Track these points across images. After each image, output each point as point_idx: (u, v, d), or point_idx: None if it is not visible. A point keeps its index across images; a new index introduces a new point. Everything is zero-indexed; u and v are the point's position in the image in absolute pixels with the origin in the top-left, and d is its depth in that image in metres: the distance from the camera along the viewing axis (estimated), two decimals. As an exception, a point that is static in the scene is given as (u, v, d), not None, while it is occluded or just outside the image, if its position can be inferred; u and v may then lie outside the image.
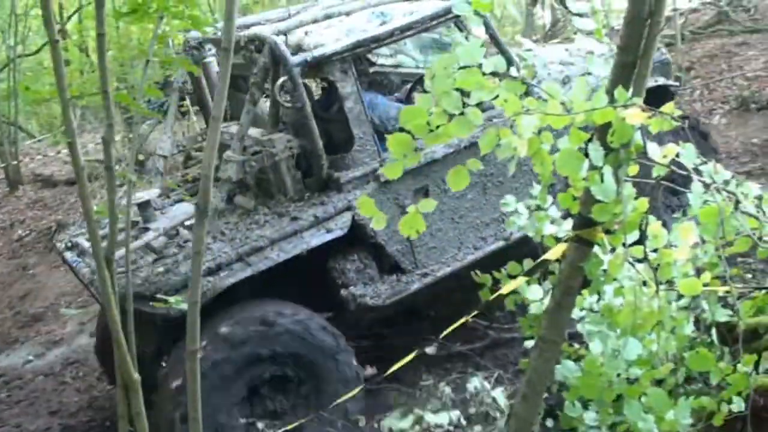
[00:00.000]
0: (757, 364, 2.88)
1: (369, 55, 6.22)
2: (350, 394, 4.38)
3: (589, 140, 2.43)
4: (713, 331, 3.27)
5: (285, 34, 4.94)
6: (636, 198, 2.59)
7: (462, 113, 2.26)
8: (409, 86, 5.99)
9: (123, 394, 3.01)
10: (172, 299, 3.25)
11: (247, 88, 5.05)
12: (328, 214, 4.77)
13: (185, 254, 4.54)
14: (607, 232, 2.71)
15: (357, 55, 5.12)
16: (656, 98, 6.14)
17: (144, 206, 5.01)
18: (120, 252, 4.80)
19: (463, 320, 3.50)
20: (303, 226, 4.72)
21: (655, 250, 2.89)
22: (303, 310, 4.68)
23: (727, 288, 3.08)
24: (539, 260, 3.26)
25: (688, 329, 3.22)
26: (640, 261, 2.87)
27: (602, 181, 2.42)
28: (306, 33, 5.06)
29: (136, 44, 7.94)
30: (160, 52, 3.07)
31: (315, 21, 5.14)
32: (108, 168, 2.67)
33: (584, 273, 2.83)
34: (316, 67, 4.88)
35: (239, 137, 4.84)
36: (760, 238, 3.56)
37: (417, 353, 4.02)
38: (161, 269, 4.49)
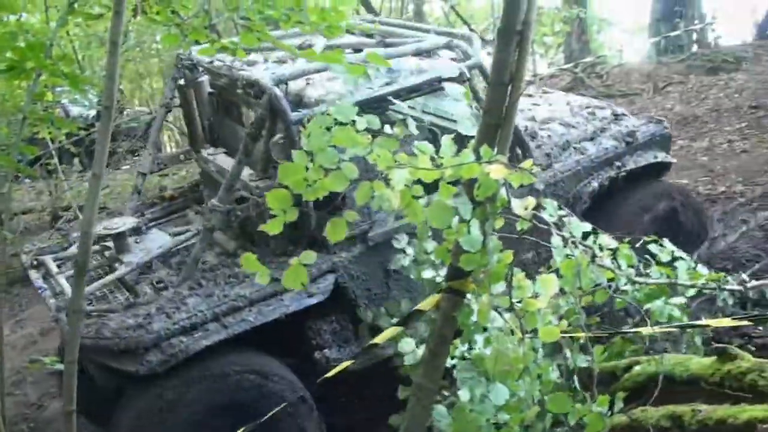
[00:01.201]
0: (612, 404, 3.08)
1: None
2: None
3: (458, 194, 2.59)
4: (575, 376, 3.46)
5: (286, 83, 4.69)
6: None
7: (338, 168, 2.38)
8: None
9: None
10: (47, 360, 3.15)
11: (238, 114, 4.84)
12: (310, 276, 4.42)
13: (158, 306, 4.32)
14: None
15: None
16: (655, 171, 6.06)
17: (119, 237, 4.83)
18: (89, 287, 4.46)
19: (339, 369, 3.56)
20: (284, 287, 4.51)
21: (520, 301, 3.06)
22: (264, 361, 4.51)
23: (584, 335, 3.29)
24: (413, 310, 3.38)
25: (554, 375, 3.40)
26: (509, 311, 3.03)
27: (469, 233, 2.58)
28: (307, 82, 4.86)
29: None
30: (34, 109, 3.04)
31: (317, 71, 4.80)
32: (-20, 224, 2.61)
33: (457, 323, 2.97)
34: None
35: (227, 187, 4.61)
36: (616, 290, 3.83)
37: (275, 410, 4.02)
38: (132, 322, 4.24)
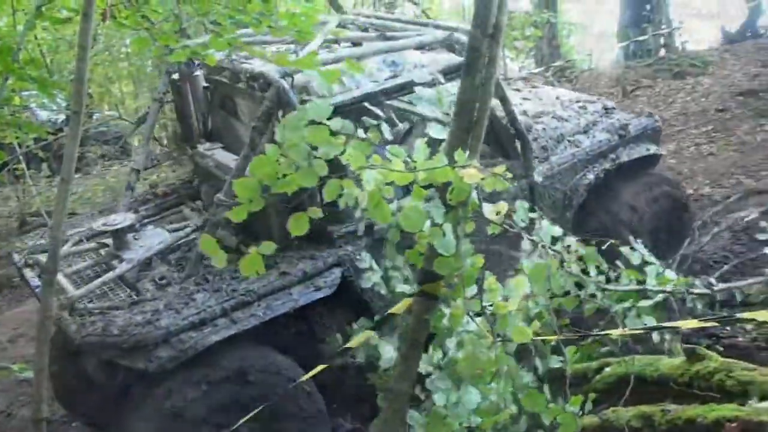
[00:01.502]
0: (583, 405, 3.11)
1: None
2: None
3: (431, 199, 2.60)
4: (545, 380, 3.48)
5: (291, 76, 4.61)
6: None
7: (309, 164, 2.38)
8: (406, 127, 5.19)
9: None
10: (15, 367, 3.11)
11: (234, 108, 4.73)
12: (317, 270, 4.52)
13: (166, 303, 4.23)
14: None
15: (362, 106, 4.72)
16: (645, 164, 6.17)
17: (118, 234, 4.76)
18: (90, 285, 4.37)
19: (316, 372, 3.55)
20: (292, 281, 4.44)
21: (492, 304, 3.08)
22: (273, 359, 4.41)
23: (555, 337, 3.31)
24: (386, 314, 3.38)
25: (528, 378, 3.42)
26: (479, 315, 3.05)
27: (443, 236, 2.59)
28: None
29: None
30: (1, 113, 3.01)
31: (324, 64, 4.58)
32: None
33: (429, 326, 2.98)
34: None
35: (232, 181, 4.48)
36: (589, 295, 3.85)
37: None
38: (140, 319, 4.13)
